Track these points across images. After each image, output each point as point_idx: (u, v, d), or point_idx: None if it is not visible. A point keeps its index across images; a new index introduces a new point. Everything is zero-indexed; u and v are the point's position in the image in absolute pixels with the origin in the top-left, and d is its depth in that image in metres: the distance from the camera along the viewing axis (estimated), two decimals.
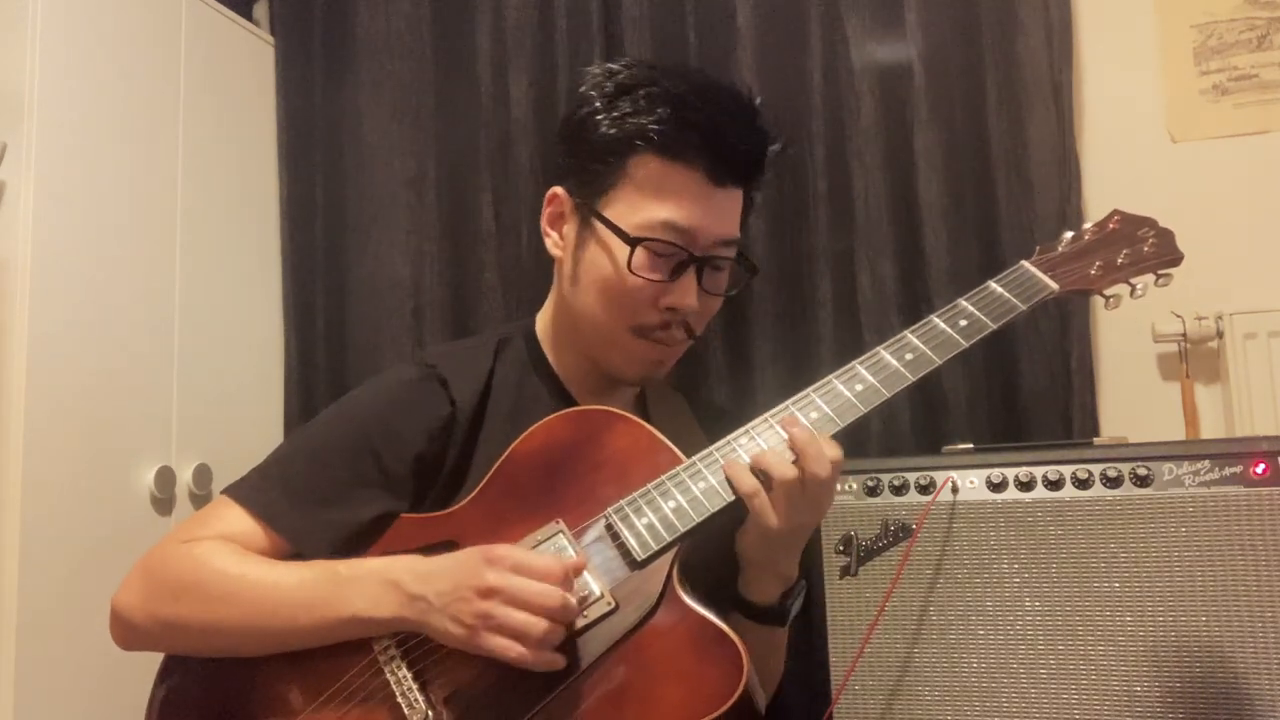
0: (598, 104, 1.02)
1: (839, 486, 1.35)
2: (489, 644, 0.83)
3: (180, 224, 1.74)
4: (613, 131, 1.00)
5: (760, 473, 0.89)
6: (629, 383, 1.09)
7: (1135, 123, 1.66)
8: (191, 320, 1.74)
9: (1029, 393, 1.59)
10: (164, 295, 1.70)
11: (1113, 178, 1.63)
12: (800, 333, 1.71)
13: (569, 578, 0.85)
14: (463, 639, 0.84)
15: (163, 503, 1.64)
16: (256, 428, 1.87)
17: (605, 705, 0.84)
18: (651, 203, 0.99)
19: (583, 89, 1.05)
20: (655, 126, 0.98)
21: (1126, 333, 1.62)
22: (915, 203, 1.66)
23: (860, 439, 1.63)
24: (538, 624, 0.82)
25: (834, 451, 0.90)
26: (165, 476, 1.63)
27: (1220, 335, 1.55)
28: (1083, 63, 1.68)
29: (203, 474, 1.70)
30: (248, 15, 2.01)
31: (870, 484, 1.28)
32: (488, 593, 0.83)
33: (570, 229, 1.05)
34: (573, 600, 0.84)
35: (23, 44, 1.48)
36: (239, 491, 0.99)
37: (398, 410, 1.01)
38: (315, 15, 2.03)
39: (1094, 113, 1.68)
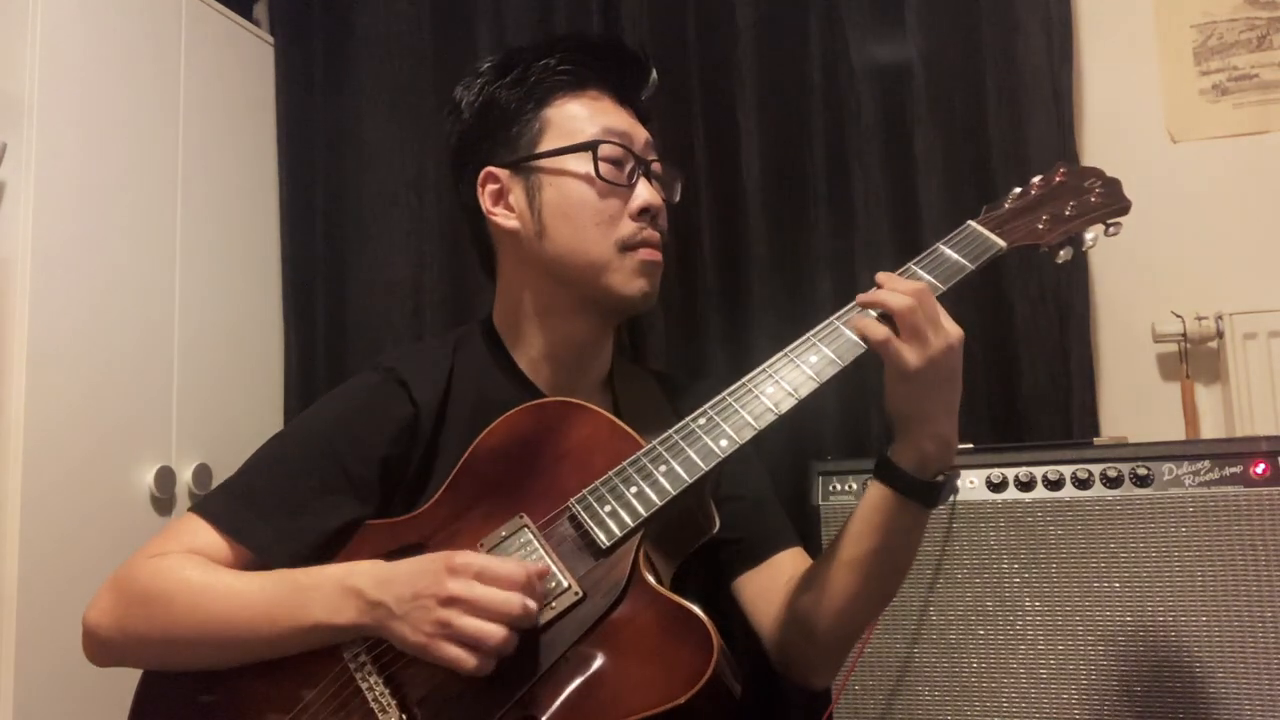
0: (490, 82, 1.08)
1: (841, 487, 1.36)
2: (446, 654, 0.83)
3: (180, 224, 1.74)
4: (521, 90, 1.06)
5: (882, 317, 0.90)
6: (636, 304, 1.07)
7: (1135, 123, 1.66)
8: (191, 320, 1.74)
9: (1029, 393, 1.58)
10: (164, 295, 1.70)
11: None
12: (800, 332, 1.69)
13: (533, 583, 0.85)
14: (419, 647, 0.84)
15: (163, 503, 1.64)
16: (256, 428, 1.87)
17: (578, 693, 0.84)
18: (583, 124, 1.05)
19: (465, 90, 1.10)
20: (561, 68, 1.05)
21: (1126, 333, 1.62)
22: (915, 203, 1.66)
23: (860, 438, 1.63)
24: (496, 632, 0.82)
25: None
26: (165, 476, 1.63)
27: (1220, 335, 1.55)
28: (1083, 63, 1.68)
29: (203, 474, 1.70)
30: (248, 15, 2.01)
31: None
32: (449, 601, 0.83)
33: (517, 194, 1.06)
34: (533, 605, 0.84)
35: (23, 44, 1.48)
36: (204, 508, 0.99)
37: (360, 416, 1.02)
38: (315, 15, 2.03)
39: (1094, 113, 1.68)
